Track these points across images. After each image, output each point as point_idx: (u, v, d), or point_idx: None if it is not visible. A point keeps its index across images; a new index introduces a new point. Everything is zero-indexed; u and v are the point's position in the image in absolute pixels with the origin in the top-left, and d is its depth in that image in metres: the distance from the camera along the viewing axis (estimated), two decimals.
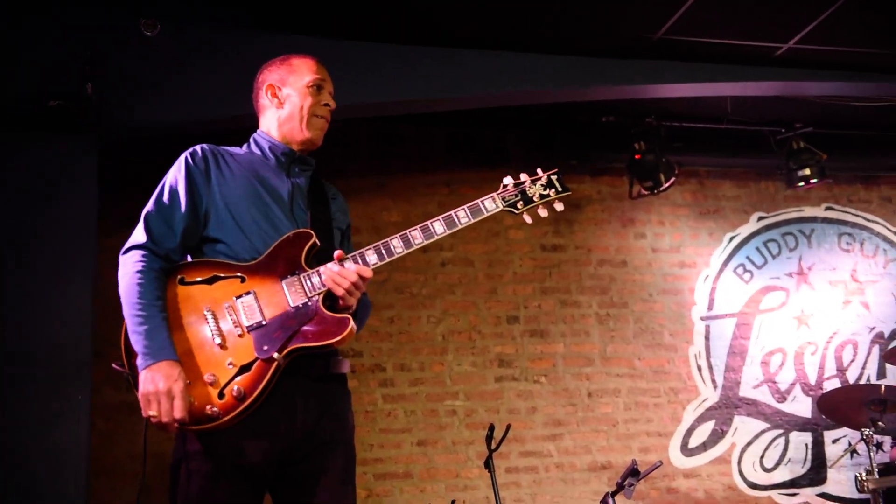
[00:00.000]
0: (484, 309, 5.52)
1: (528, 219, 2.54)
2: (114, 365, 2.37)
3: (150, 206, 2.46)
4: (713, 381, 5.91)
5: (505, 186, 2.53)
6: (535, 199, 2.53)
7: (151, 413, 2.21)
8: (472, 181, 5.47)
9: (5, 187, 3.81)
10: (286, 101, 2.56)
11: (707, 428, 5.82)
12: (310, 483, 2.37)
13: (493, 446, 4.31)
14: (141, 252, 2.38)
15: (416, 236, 2.44)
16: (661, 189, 5.62)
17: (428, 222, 2.45)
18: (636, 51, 4.49)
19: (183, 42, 4.06)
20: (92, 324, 3.86)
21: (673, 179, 5.59)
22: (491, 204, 2.49)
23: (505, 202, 2.51)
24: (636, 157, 5.58)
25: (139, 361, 2.25)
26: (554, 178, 2.55)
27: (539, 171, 2.57)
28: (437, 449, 5.21)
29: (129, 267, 2.38)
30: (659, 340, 5.84)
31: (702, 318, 6.00)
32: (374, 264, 2.42)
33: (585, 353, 5.65)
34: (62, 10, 3.93)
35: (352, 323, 2.32)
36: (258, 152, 2.57)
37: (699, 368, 5.90)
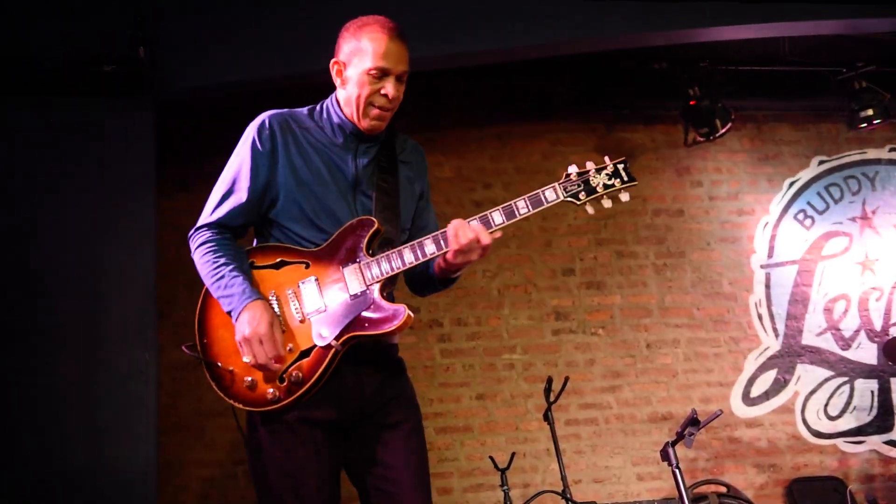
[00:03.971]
0: (539, 262, 5.50)
1: (590, 210, 2.44)
2: (183, 348, 2.43)
3: (217, 187, 2.49)
4: (774, 329, 5.82)
5: (568, 175, 2.43)
6: (598, 189, 2.42)
7: (245, 359, 2.29)
8: (523, 134, 5.41)
9: (65, 152, 3.90)
10: (347, 83, 2.47)
11: (769, 377, 5.74)
12: (380, 435, 2.42)
13: (552, 399, 4.32)
14: (209, 230, 2.45)
15: (476, 226, 2.37)
16: (718, 135, 5.50)
17: (487, 213, 2.39)
18: None
19: (237, 1, 4.06)
20: (154, 285, 3.94)
21: (729, 125, 5.47)
22: (552, 194, 2.41)
23: (567, 192, 2.41)
24: (690, 103, 5.47)
25: (233, 320, 2.32)
26: (620, 166, 2.44)
27: (606, 159, 2.46)
28: (496, 402, 5.23)
29: (200, 242, 2.44)
30: (718, 289, 5.76)
31: (762, 266, 5.90)
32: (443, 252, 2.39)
33: (643, 303, 5.60)
34: None
35: (407, 312, 2.32)
36: (328, 126, 2.51)
37: (759, 317, 5.81)
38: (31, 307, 3.77)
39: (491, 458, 4.25)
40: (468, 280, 5.38)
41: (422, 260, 2.39)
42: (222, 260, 2.40)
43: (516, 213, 2.39)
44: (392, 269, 2.37)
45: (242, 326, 2.28)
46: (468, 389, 5.22)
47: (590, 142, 5.70)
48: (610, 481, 5.21)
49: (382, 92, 2.43)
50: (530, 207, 2.40)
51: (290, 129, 2.49)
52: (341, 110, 2.51)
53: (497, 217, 2.38)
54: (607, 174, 2.44)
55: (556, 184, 2.42)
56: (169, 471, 4.73)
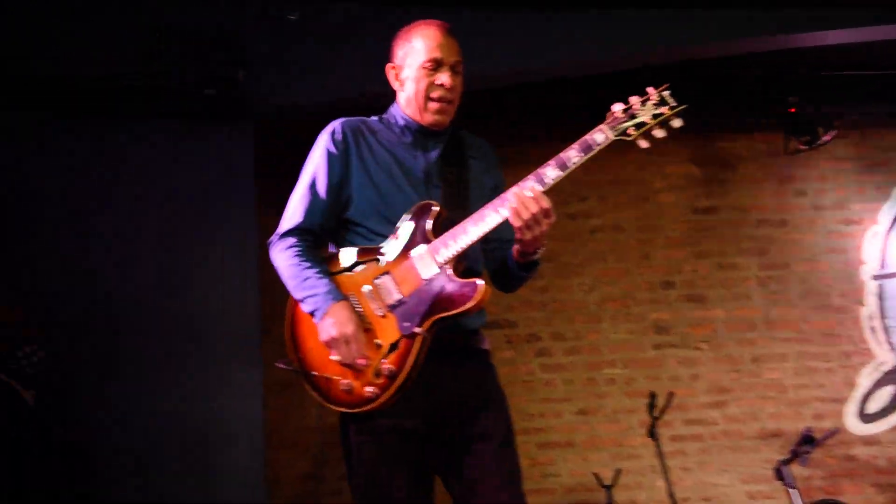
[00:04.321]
0: (637, 275, 5.41)
1: (643, 144, 2.32)
2: (278, 364, 2.48)
3: (294, 194, 2.54)
4: (889, 343, 5.56)
5: (612, 114, 2.33)
6: (647, 121, 2.31)
7: (334, 358, 2.31)
8: (617, 144, 5.32)
9: (170, 173, 4.07)
10: (405, 84, 2.53)
11: (887, 392, 5.48)
12: (470, 447, 2.39)
13: (656, 414, 4.23)
14: (291, 236, 2.48)
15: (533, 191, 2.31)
16: (820, 143, 5.34)
17: (539, 169, 2.32)
18: None
19: (327, 21, 4.15)
20: (259, 302, 4.05)
21: (832, 133, 5.30)
22: (600, 136, 2.30)
23: (615, 131, 2.31)
24: (790, 110, 5.33)
25: (315, 319, 2.35)
26: (665, 94, 2.33)
27: (649, 89, 2.34)
28: (598, 418, 5.15)
29: (281, 249, 2.48)
30: (826, 302, 5.55)
31: (874, 277, 5.66)
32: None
33: (747, 317, 5.44)
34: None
35: (482, 284, 2.30)
36: (396, 129, 2.56)
37: (872, 330, 5.57)
38: (137, 326, 3.91)
39: (595, 474, 4.18)
40: (565, 294, 5.33)
41: (486, 231, 2.35)
42: (307, 263, 2.44)
43: (568, 163, 2.31)
44: (460, 246, 2.35)
45: (328, 328, 2.31)
46: (569, 405, 5.15)
47: (685, 152, 5.60)
48: (719, 500, 5.05)
49: (438, 82, 2.46)
50: (582, 154, 2.31)
51: (360, 132, 2.54)
52: (403, 112, 2.56)
53: (550, 172, 2.32)
54: (653, 103, 2.33)
55: (602, 125, 2.32)
56: (277, 486, 4.81)
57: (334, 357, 2.32)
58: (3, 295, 3.54)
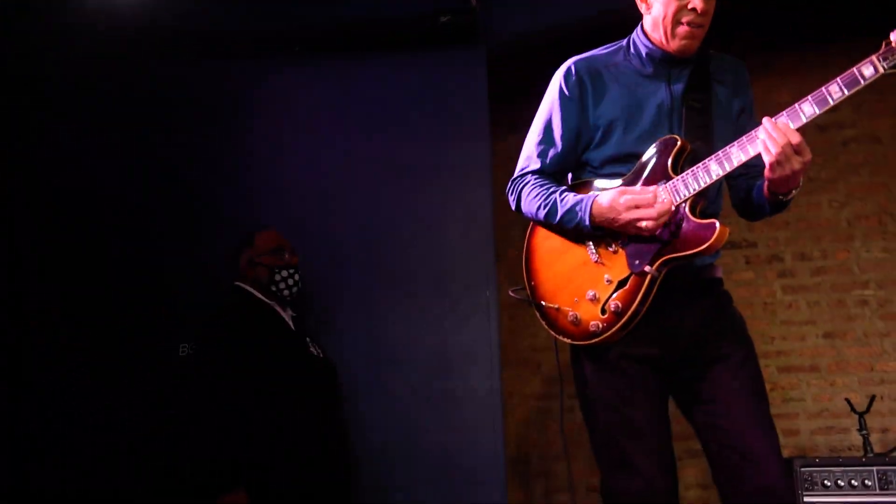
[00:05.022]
0: (895, 189, 4.96)
1: None
2: (510, 292, 2.55)
3: (529, 137, 2.54)
4: None
5: (888, 44, 2.07)
6: None
7: (644, 225, 2.26)
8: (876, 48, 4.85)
9: (405, 103, 4.16)
10: (652, 6, 2.39)
11: None
12: (709, 370, 2.34)
13: None
14: (532, 175, 2.51)
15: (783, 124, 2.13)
16: None
17: (795, 104, 2.14)
18: None
19: None
20: (492, 225, 4.11)
21: None
22: (869, 69, 2.06)
23: (889, 64, 2.05)
24: None
25: (587, 222, 2.34)
26: None
27: None
28: (847, 341, 4.85)
29: (523, 184, 2.51)
30: None
31: None
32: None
33: None
34: None
35: (720, 226, 2.20)
36: (636, 60, 2.46)
37: None
38: (373, 253, 4.08)
39: (847, 399, 3.96)
40: (812, 212, 4.99)
41: (729, 170, 2.23)
42: (551, 188, 2.45)
43: (829, 99, 2.10)
44: (700, 185, 2.25)
45: (612, 211, 2.28)
46: (814, 328, 4.88)
47: None
48: None
49: (690, 6, 2.30)
50: (845, 90, 2.08)
51: (596, 70, 2.46)
52: (648, 38, 2.42)
53: (807, 108, 2.13)
54: None
55: (874, 56, 2.07)
56: (511, 401, 4.98)
57: (645, 223, 2.25)
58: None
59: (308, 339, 3.68)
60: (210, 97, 4.22)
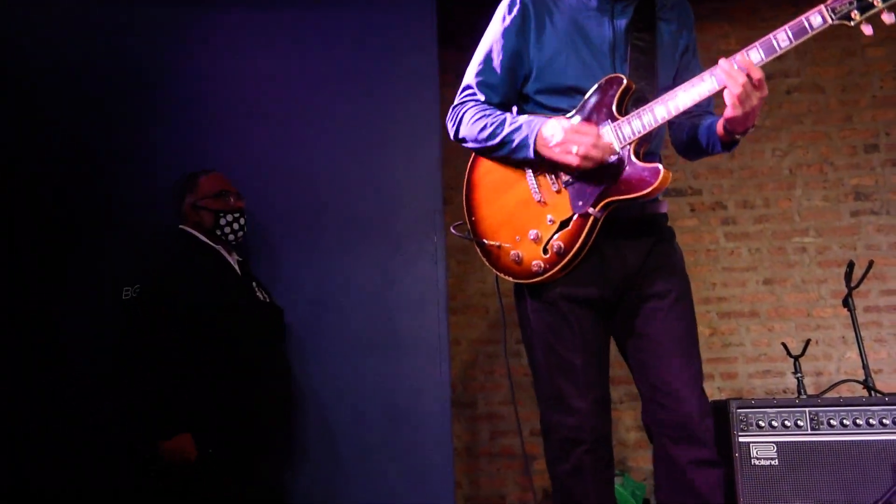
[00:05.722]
0: (837, 139, 5.05)
1: (867, 30, 2.08)
2: (451, 229, 2.56)
3: (471, 67, 2.51)
4: None
5: None
6: (876, 3, 2.04)
7: (572, 161, 2.25)
8: None
9: (351, 48, 4.09)
10: None
11: None
12: (643, 306, 2.38)
13: (853, 284, 4.03)
14: (472, 100, 2.48)
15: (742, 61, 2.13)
16: None
17: (742, 51, 2.14)
18: None
19: None
20: (440, 171, 4.10)
21: None
22: (817, 19, 2.07)
23: (836, 13, 2.06)
24: None
25: (526, 151, 2.33)
26: None
27: None
28: (786, 287, 4.97)
29: (464, 110, 2.48)
30: None
31: None
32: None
33: None
34: None
35: (664, 170, 2.21)
36: None
37: None
38: (319, 197, 4.04)
39: (783, 344, 4.06)
40: (756, 160, 5.07)
41: (674, 114, 2.23)
42: (495, 112, 2.42)
43: (777, 46, 2.12)
44: (644, 127, 2.25)
45: (552, 136, 2.27)
46: (754, 274, 4.99)
47: None
48: None
49: None
50: (792, 39, 2.10)
51: (541, 2, 2.43)
52: None
53: (754, 55, 2.13)
54: None
55: (822, 5, 2.08)
56: (458, 346, 5.03)
57: (573, 160, 2.24)
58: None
59: (254, 283, 3.66)
60: (154, 40, 4.10)
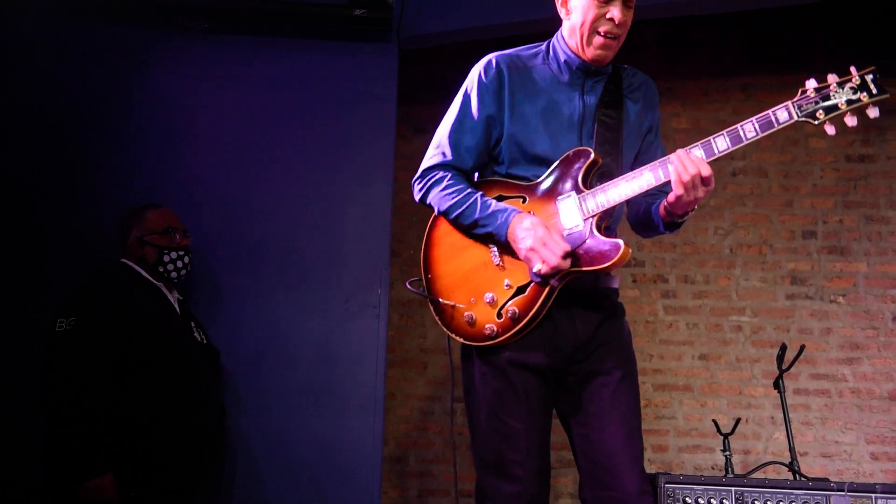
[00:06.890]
0: (777, 222, 5.20)
1: (829, 129, 2.20)
2: (407, 284, 2.55)
3: (443, 127, 2.52)
4: None
5: (804, 92, 2.20)
6: (840, 106, 2.17)
7: (536, 267, 2.29)
8: (771, 86, 5.07)
9: (310, 93, 4.10)
10: (572, 13, 2.42)
11: None
12: (590, 382, 2.40)
13: (785, 366, 4.12)
14: (443, 170, 2.49)
15: (696, 157, 2.24)
16: None
17: (710, 138, 2.24)
18: None
19: None
20: (390, 223, 4.10)
21: None
22: (784, 114, 2.20)
23: (801, 111, 2.19)
24: None
25: (496, 239, 2.36)
26: (868, 77, 2.17)
27: (852, 69, 2.20)
28: (720, 364, 5.06)
29: (435, 180, 2.48)
30: None
31: None
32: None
33: (892, 273, 5.16)
34: None
35: (624, 246, 2.26)
36: (554, 64, 2.49)
37: None
38: (268, 241, 4.01)
39: (714, 421, 4.12)
40: (699, 237, 5.20)
41: (639, 192, 2.29)
42: (468, 190, 2.43)
43: (743, 137, 2.23)
44: (609, 202, 2.30)
45: (523, 239, 2.29)
46: (691, 349, 5.08)
47: None
48: (840, 457, 4.92)
49: (608, 16, 2.35)
50: (758, 130, 2.22)
51: (515, 67, 2.47)
52: (566, 44, 2.45)
53: (721, 143, 2.24)
54: (852, 88, 2.19)
55: (789, 102, 2.20)
56: (393, 400, 4.99)
57: (538, 266, 2.27)
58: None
59: (193, 323, 3.60)
60: (110, 69, 4.06)
